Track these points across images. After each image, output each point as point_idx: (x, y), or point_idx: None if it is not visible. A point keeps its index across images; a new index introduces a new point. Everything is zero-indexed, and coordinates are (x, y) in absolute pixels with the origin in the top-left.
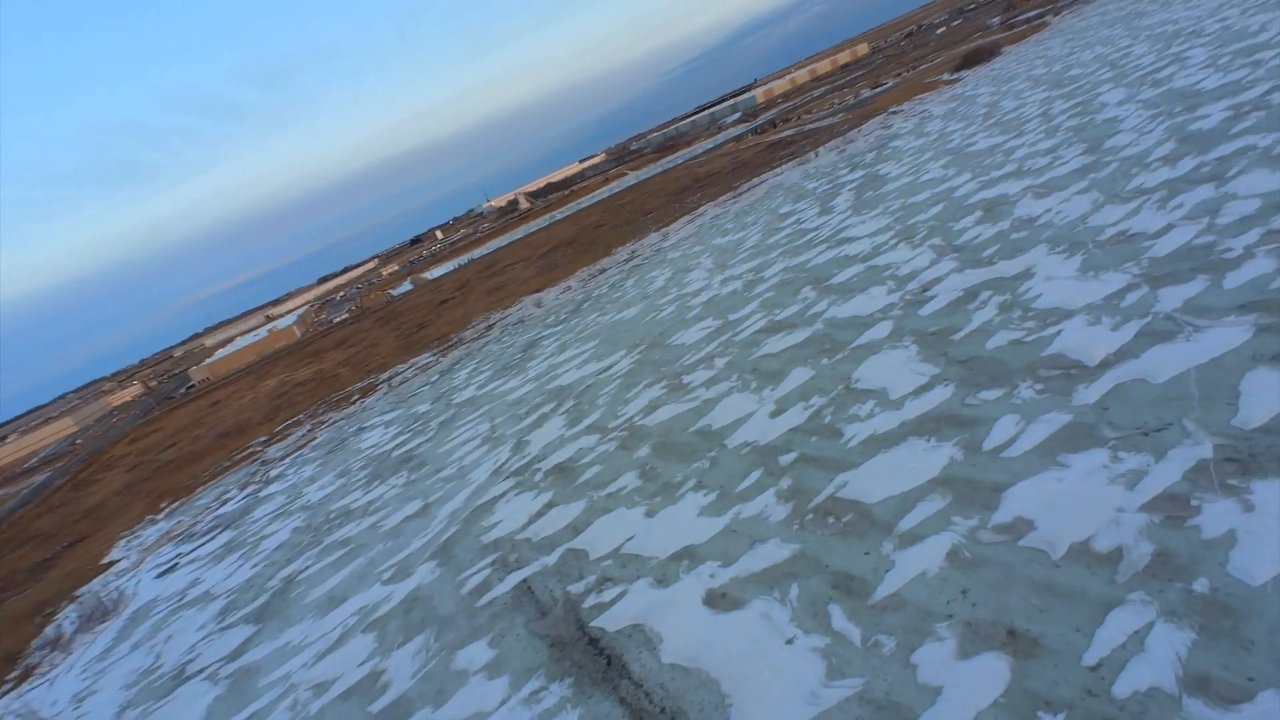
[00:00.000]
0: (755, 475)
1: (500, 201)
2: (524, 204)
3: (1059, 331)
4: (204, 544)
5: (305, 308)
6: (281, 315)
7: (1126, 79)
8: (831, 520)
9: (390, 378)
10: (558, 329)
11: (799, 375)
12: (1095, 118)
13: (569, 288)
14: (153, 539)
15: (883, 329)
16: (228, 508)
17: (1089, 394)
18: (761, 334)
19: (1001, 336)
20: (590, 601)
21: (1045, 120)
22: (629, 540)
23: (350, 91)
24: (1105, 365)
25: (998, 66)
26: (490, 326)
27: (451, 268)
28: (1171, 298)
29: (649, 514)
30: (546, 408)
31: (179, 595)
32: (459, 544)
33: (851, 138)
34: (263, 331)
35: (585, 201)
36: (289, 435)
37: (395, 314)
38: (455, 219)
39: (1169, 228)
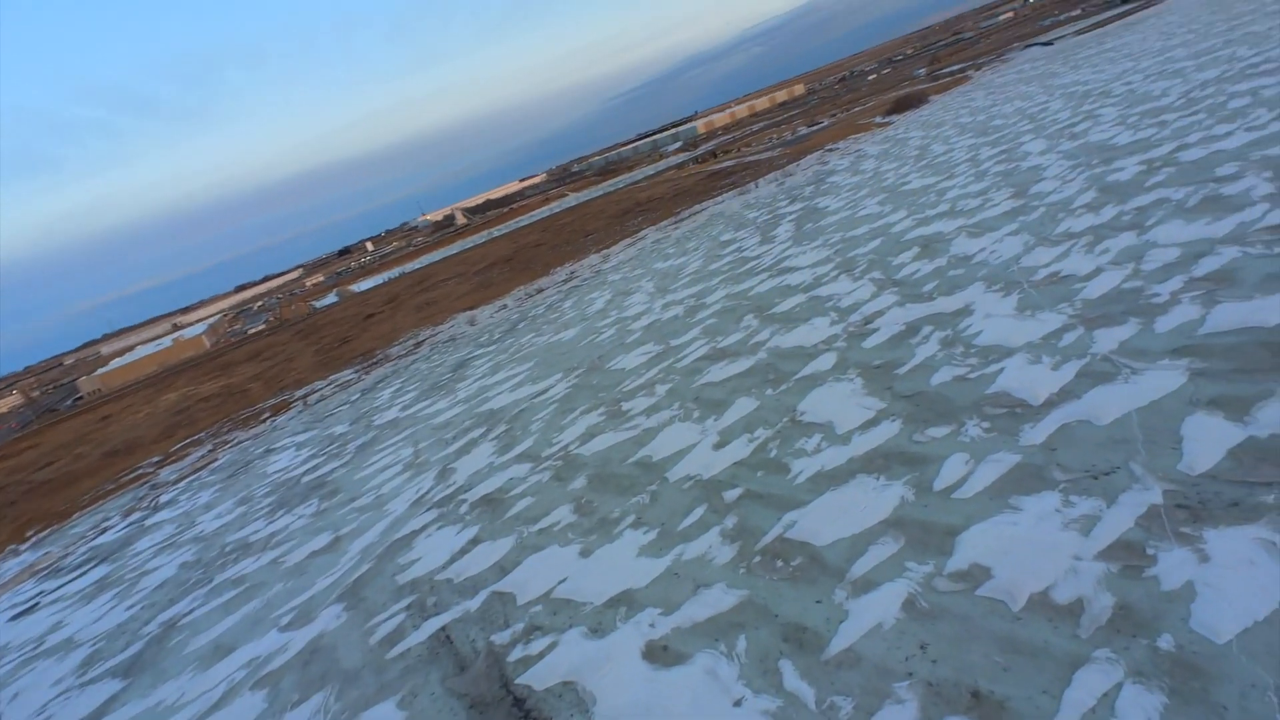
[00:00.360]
0: (699, 512)
1: (436, 216)
2: (460, 219)
3: (1001, 369)
4: (73, 580)
5: (218, 317)
6: (191, 324)
7: (1046, 131)
8: (780, 564)
9: (306, 395)
10: (491, 349)
11: (743, 405)
12: (1020, 165)
13: (504, 306)
14: (12, 573)
15: (827, 360)
16: (106, 538)
17: (1035, 434)
18: (704, 361)
19: (945, 372)
20: (516, 654)
21: (974, 165)
22: (561, 583)
23: (280, 95)
24: (1049, 405)
25: (926, 113)
26: (419, 344)
27: (381, 281)
28: (1107, 339)
29: (584, 553)
30: (476, 432)
31: (35, 642)
32: (371, 584)
33: (790, 171)
34: (167, 340)
35: (524, 220)
36: (186, 456)
37: (317, 327)
38: (388, 231)
39: (1098, 271)
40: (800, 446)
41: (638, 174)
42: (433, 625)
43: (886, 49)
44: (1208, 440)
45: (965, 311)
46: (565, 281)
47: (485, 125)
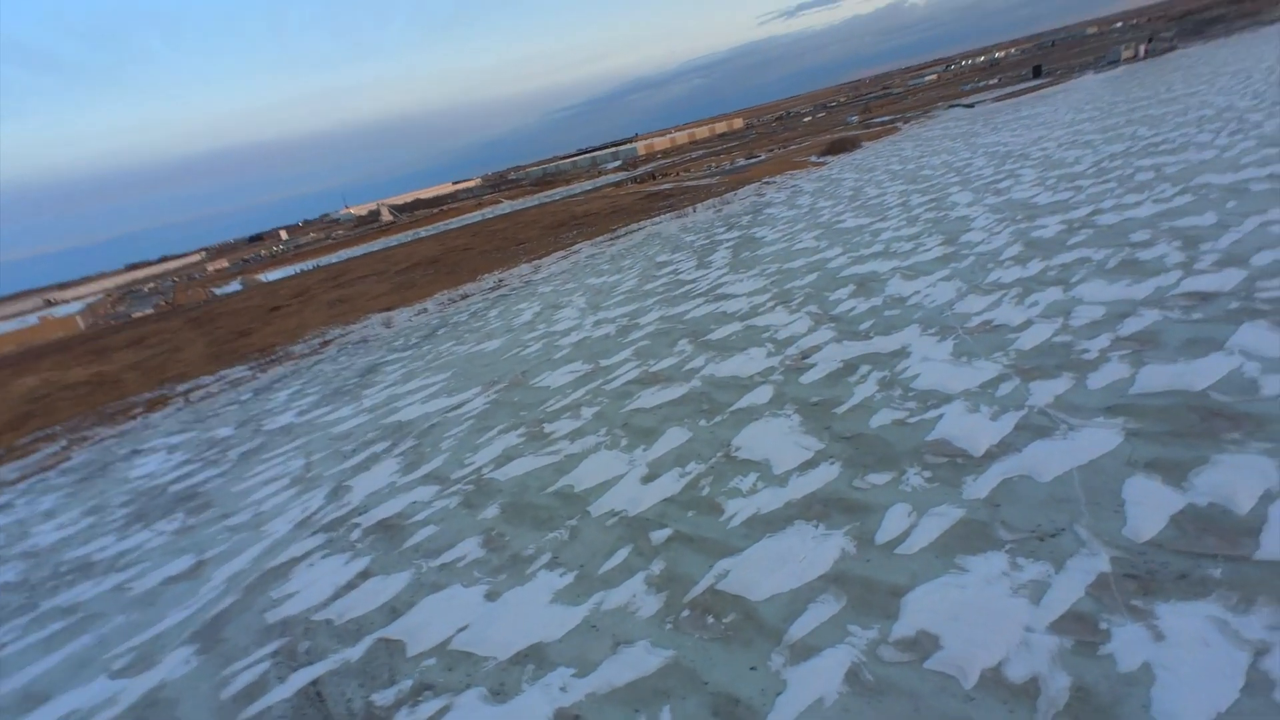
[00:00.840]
0: (623, 554)
1: (361, 210)
2: (386, 216)
3: (940, 415)
4: None
5: (101, 296)
6: (67, 301)
7: (972, 184)
8: (711, 620)
9: (190, 390)
10: (406, 354)
11: (675, 435)
12: (949, 214)
13: (425, 310)
14: None
15: (764, 393)
16: None
17: (978, 487)
18: (635, 385)
19: (885, 415)
20: (400, 718)
21: (905, 210)
22: (461, 631)
23: (199, 66)
24: (990, 457)
25: (859, 157)
26: (326, 343)
27: (292, 272)
28: (1042, 392)
29: (490, 596)
30: (379, 446)
31: None
32: (233, 622)
33: (728, 199)
34: (33, 318)
35: (454, 223)
36: (34, 451)
37: (214, 316)
38: (306, 222)
39: (1029, 323)
40: (735, 485)
41: (575, 188)
42: (302, 678)
43: (820, 95)
44: (1149, 505)
45: (902, 353)
46: (492, 289)
47: (419, 124)
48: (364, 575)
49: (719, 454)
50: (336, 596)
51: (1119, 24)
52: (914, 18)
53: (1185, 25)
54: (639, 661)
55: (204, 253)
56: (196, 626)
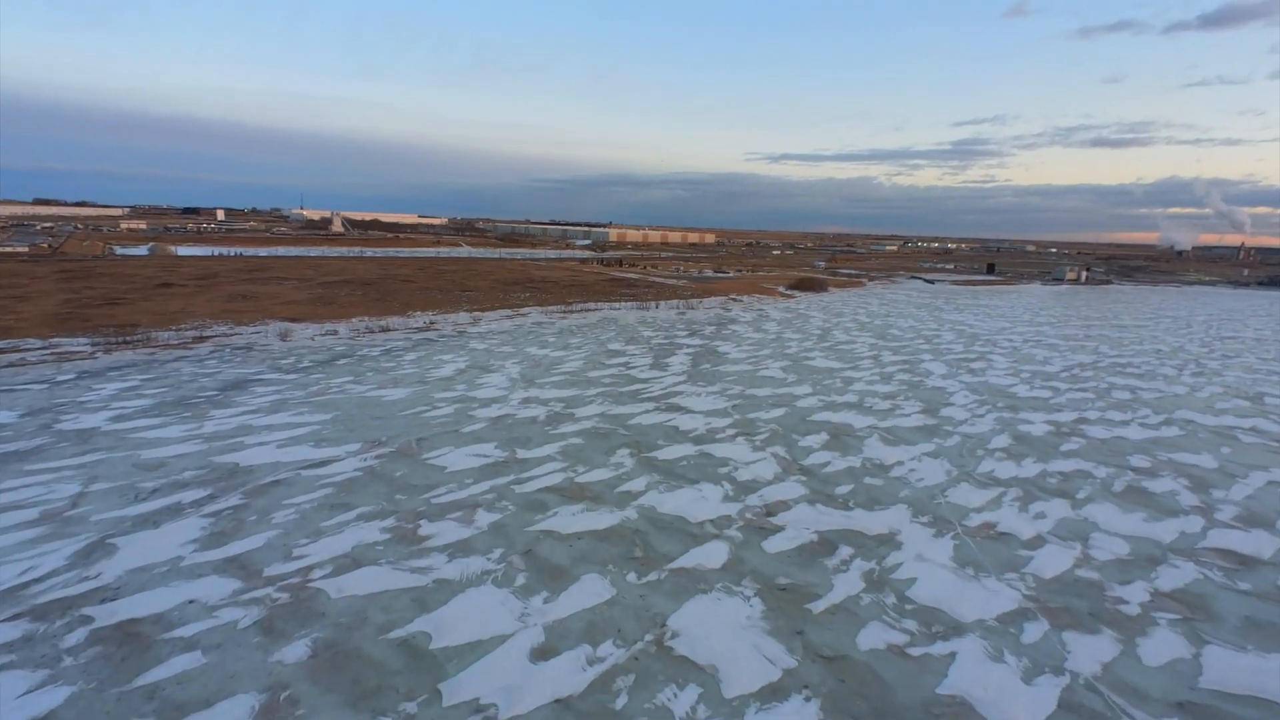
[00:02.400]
0: None
1: (314, 215)
2: (337, 226)
3: (952, 656)
4: None
5: None
6: None
7: (943, 357)
8: None
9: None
10: (289, 378)
11: (592, 587)
12: (925, 381)
13: (334, 332)
14: None
15: (717, 552)
16: None
17: None
18: (554, 495)
19: (877, 632)
20: None
21: (878, 364)
22: None
23: (199, 29)
24: None
25: (826, 300)
26: (203, 338)
27: (210, 253)
28: (1084, 654)
29: None
30: (191, 494)
31: None
32: None
33: (693, 304)
34: None
35: (405, 252)
36: None
37: (92, 273)
38: (255, 210)
39: (1041, 540)
40: (664, 702)
41: (539, 253)
42: None
43: (788, 236)
44: None
45: (891, 540)
46: (420, 329)
47: (402, 152)
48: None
49: (648, 637)
50: None
51: (1053, 250)
52: (878, 195)
53: (1113, 266)
54: None
55: (127, 210)
56: None
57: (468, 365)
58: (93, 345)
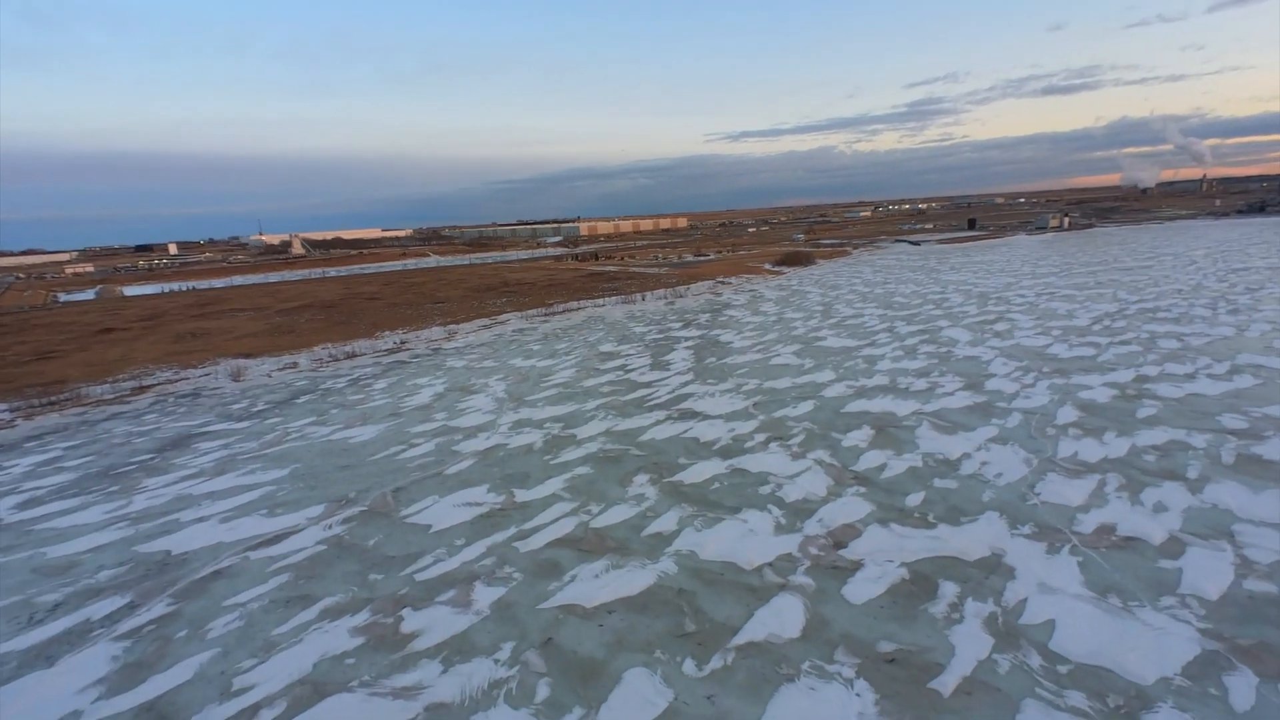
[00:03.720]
0: None
1: (274, 239)
2: (297, 249)
3: None
4: None
5: None
6: None
7: (961, 322)
8: None
9: None
10: (240, 428)
11: (640, 693)
12: (953, 351)
13: (294, 365)
14: None
15: (790, 613)
16: None
17: None
18: (568, 550)
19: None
20: None
21: (895, 337)
22: None
23: (143, 66)
24: None
25: (817, 274)
26: (143, 389)
27: (160, 290)
28: None
29: None
30: (105, 607)
31: None
32: None
33: (681, 293)
34: None
35: (371, 268)
36: None
37: (25, 326)
38: (212, 241)
39: (1178, 543)
40: None
41: (511, 255)
42: None
43: (758, 213)
44: None
45: (998, 566)
46: (390, 352)
47: (361, 167)
48: None
49: None
50: None
51: (1022, 200)
52: (840, 163)
53: (1087, 209)
54: None
55: (75, 254)
56: None
57: (447, 388)
58: (12, 411)
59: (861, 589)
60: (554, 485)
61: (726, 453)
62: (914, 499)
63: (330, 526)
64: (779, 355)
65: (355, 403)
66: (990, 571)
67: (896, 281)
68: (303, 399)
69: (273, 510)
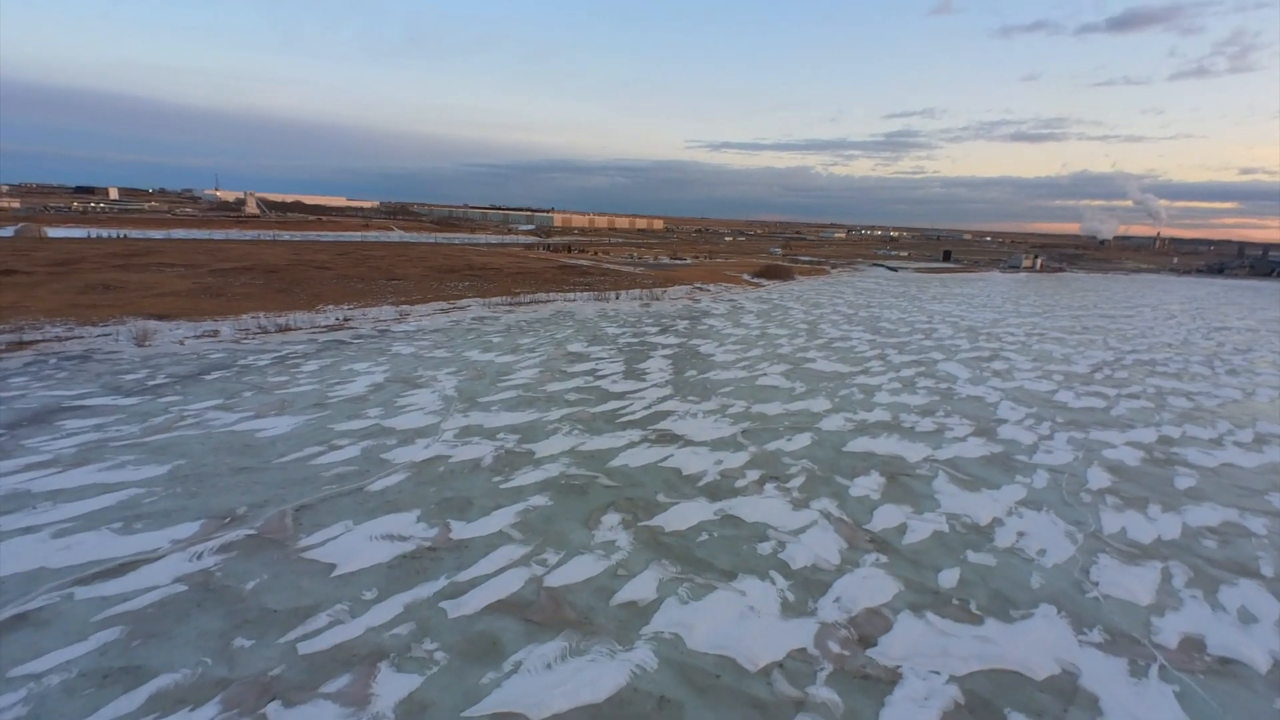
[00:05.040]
0: None
1: (229, 196)
2: (252, 207)
3: None
4: None
5: None
6: None
7: (954, 356)
8: None
9: None
10: (126, 404)
11: None
12: (954, 389)
13: (215, 333)
14: None
15: None
16: None
17: None
18: (512, 619)
19: None
20: None
21: (889, 366)
22: None
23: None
24: None
25: (798, 290)
26: (21, 345)
27: (89, 235)
28: None
29: None
30: None
31: None
32: None
33: (657, 295)
34: None
35: (328, 236)
36: None
37: None
38: (163, 191)
39: None
40: None
41: (480, 238)
42: None
43: (733, 224)
44: None
45: (1075, 691)
46: (330, 329)
47: (331, 134)
48: None
49: None
50: None
51: (988, 238)
52: (816, 184)
53: (1052, 254)
54: None
55: (6, 188)
56: None
57: (387, 378)
58: None
59: (904, 714)
60: (502, 519)
61: (714, 493)
62: (948, 578)
63: (200, 556)
64: (766, 375)
65: (275, 386)
66: (1068, 701)
67: (880, 306)
68: (213, 375)
69: (130, 525)
